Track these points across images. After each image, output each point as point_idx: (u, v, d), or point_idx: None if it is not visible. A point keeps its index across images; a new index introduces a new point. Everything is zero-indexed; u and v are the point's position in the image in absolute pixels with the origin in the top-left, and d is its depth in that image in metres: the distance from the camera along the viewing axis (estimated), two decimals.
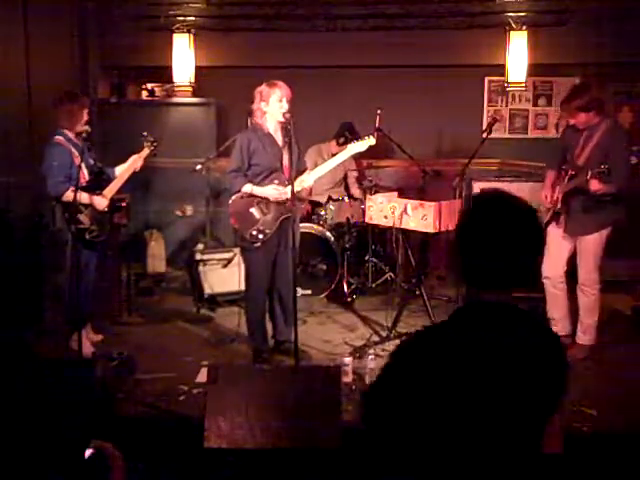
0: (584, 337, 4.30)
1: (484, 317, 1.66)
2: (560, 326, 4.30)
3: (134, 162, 4.51)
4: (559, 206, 4.25)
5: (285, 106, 4.05)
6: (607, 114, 4.21)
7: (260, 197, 4.13)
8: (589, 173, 3.93)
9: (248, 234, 4.13)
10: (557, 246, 4.30)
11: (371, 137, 4.30)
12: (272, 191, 4.11)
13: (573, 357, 4.13)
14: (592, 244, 4.20)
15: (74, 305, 4.29)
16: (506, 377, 1.61)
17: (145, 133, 4.63)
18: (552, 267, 4.33)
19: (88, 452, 1.68)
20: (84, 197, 4.21)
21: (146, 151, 4.56)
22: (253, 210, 4.14)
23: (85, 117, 4.34)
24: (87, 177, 4.30)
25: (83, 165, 4.26)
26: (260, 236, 4.11)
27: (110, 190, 4.40)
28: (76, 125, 4.29)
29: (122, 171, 4.48)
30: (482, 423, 1.61)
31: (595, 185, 3.94)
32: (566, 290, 4.38)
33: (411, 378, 1.65)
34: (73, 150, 4.27)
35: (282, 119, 4.05)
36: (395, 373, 1.70)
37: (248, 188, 4.12)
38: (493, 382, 1.61)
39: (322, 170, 4.29)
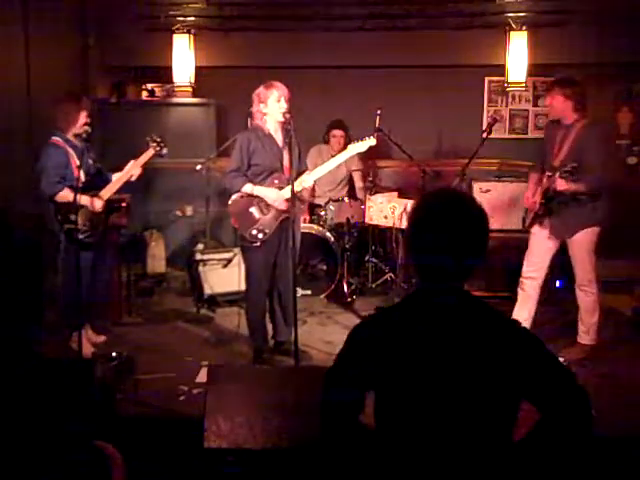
0: (586, 337, 4.29)
1: (432, 299, 1.72)
2: None
3: (131, 168, 4.47)
4: (537, 208, 4.23)
5: (284, 106, 4.05)
6: (586, 114, 4.22)
7: (260, 197, 4.14)
8: (557, 173, 3.93)
9: (248, 234, 4.13)
10: (541, 248, 4.30)
11: (371, 137, 4.29)
12: (272, 194, 4.10)
13: (574, 357, 4.13)
14: (578, 245, 4.18)
15: (70, 306, 4.30)
16: (456, 357, 1.64)
17: (153, 135, 4.59)
18: (535, 268, 4.33)
19: (88, 452, 1.68)
20: (80, 198, 4.17)
21: (151, 152, 4.53)
22: (253, 210, 4.14)
23: (84, 119, 4.31)
24: (83, 178, 4.28)
25: (79, 165, 4.26)
26: (260, 236, 4.11)
27: (107, 191, 4.38)
28: (73, 126, 4.28)
29: (119, 176, 4.46)
30: (435, 405, 1.64)
31: (561, 185, 3.93)
32: (539, 294, 4.37)
33: (362, 359, 1.74)
34: (70, 151, 4.27)
35: (282, 119, 4.05)
36: (347, 354, 1.80)
37: (248, 188, 4.12)
38: (441, 363, 1.64)
39: (322, 171, 4.28)
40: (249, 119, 4.44)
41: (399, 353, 1.66)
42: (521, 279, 4.40)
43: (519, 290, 4.41)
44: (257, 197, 4.14)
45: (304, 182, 4.18)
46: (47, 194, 4.21)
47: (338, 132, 6.09)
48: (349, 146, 4.34)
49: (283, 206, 4.10)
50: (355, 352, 1.77)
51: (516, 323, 1.74)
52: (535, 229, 4.33)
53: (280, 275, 4.24)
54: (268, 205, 4.13)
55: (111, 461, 1.59)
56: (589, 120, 4.20)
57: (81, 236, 4.25)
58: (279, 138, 4.18)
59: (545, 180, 4.15)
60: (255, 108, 4.14)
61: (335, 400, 1.78)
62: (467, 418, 1.63)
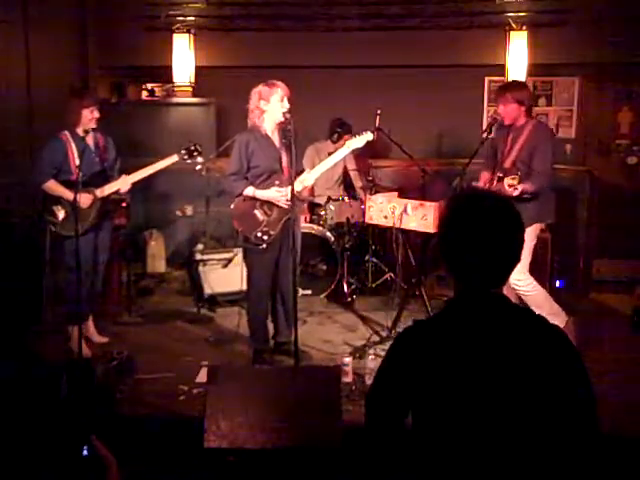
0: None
1: (479, 308, 1.66)
2: None
3: (120, 182, 4.41)
4: None
5: (286, 105, 4.04)
6: (532, 116, 4.31)
7: (261, 201, 4.12)
8: (504, 177, 3.97)
9: (253, 236, 4.11)
10: None
11: (368, 132, 4.27)
12: (275, 194, 4.10)
13: None
14: None
15: (68, 298, 4.30)
16: (507, 368, 1.60)
17: (191, 143, 4.51)
18: None
19: (85, 451, 1.67)
20: (64, 191, 4.20)
21: (174, 158, 4.45)
22: (256, 212, 4.13)
23: (90, 115, 4.28)
24: (77, 172, 4.15)
25: (78, 161, 4.23)
26: (265, 237, 4.10)
27: (102, 191, 4.36)
28: (79, 123, 4.27)
29: (110, 184, 4.40)
30: (484, 416, 1.59)
31: (509, 192, 3.90)
32: (515, 296, 4.34)
33: (407, 374, 1.66)
34: (72, 145, 4.26)
35: (282, 119, 4.03)
36: (391, 370, 1.72)
37: (250, 191, 4.11)
38: (494, 374, 1.59)
39: (322, 168, 4.27)
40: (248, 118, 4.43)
41: (444, 371, 1.61)
42: None
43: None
44: (258, 201, 4.13)
45: (305, 181, 4.17)
46: (33, 182, 4.25)
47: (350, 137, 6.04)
48: (347, 142, 4.33)
49: (287, 204, 4.08)
50: (397, 371, 1.70)
51: (561, 334, 1.72)
52: None
53: (282, 276, 4.23)
54: (271, 207, 4.12)
55: (105, 462, 1.58)
56: (537, 121, 4.32)
57: (56, 229, 4.26)
58: (276, 139, 4.16)
59: (495, 182, 4.20)
60: (253, 105, 4.09)
61: (381, 422, 1.74)
62: (516, 433, 1.59)
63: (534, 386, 1.59)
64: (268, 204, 4.13)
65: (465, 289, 1.70)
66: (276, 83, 4.08)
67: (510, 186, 3.91)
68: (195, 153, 4.52)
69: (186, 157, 4.51)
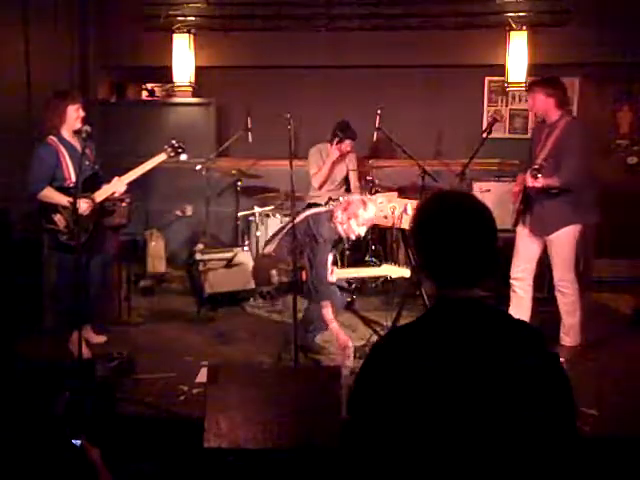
0: (567, 338, 4.28)
1: (456, 314, 1.64)
2: None
3: (115, 185, 4.41)
4: (517, 205, 4.28)
5: None
6: (569, 113, 4.32)
7: (281, 261, 4.24)
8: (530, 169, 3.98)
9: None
10: (525, 247, 4.33)
11: None
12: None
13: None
14: (558, 243, 4.19)
15: (66, 305, 4.28)
16: (487, 377, 1.56)
17: (173, 140, 4.55)
18: (522, 268, 4.35)
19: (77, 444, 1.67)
20: (61, 198, 4.16)
21: (162, 157, 4.48)
22: (272, 272, 4.26)
23: (75, 114, 4.27)
24: (74, 179, 4.18)
25: (71, 166, 4.22)
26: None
27: (99, 195, 4.35)
28: (64, 123, 4.25)
29: (106, 187, 4.40)
30: (464, 426, 1.55)
31: (530, 182, 3.95)
32: (532, 293, 4.38)
33: (385, 382, 1.61)
34: (63, 151, 4.24)
35: None
36: (369, 378, 1.67)
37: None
38: (472, 383, 1.56)
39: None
40: (248, 118, 4.44)
41: (419, 381, 1.57)
42: (510, 281, 4.43)
43: (511, 292, 4.44)
44: (279, 261, 4.23)
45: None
46: (30, 192, 4.20)
47: (351, 143, 6.03)
48: None
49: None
50: (373, 382, 1.64)
51: (540, 337, 1.68)
52: (519, 229, 4.37)
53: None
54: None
55: (95, 466, 1.58)
56: (573, 118, 4.31)
57: (62, 238, 4.22)
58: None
59: (529, 177, 4.18)
60: None
61: (357, 426, 1.68)
62: (494, 442, 1.55)
63: (511, 393, 1.56)
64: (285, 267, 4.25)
65: (439, 290, 1.70)
66: None
67: (532, 176, 3.92)
68: (179, 150, 4.54)
69: (172, 154, 4.52)
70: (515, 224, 4.36)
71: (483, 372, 1.57)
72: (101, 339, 4.61)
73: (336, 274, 4.28)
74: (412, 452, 1.59)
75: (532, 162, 4.20)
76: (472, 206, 1.68)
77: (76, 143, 4.31)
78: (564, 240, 4.17)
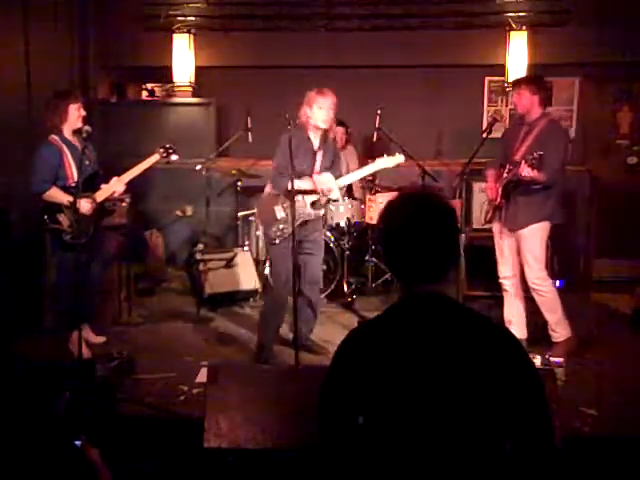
0: (556, 334, 4.28)
1: (418, 307, 1.70)
2: (518, 329, 4.28)
3: (114, 185, 4.41)
4: (499, 200, 4.30)
5: (326, 114, 4.15)
6: (548, 113, 4.38)
7: (284, 198, 4.16)
8: (522, 161, 4.00)
9: (270, 231, 4.23)
10: (505, 245, 4.38)
11: (400, 155, 4.40)
12: (322, 179, 4.17)
13: (561, 356, 4.12)
14: (526, 239, 4.22)
15: (65, 306, 4.28)
16: (448, 367, 1.61)
17: (165, 143, 4.62)
18: (507, 267, 4.39)
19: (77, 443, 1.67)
20: (66, 198, 4.16)
21: (155, 157, 4.53)
22: (277, 209, 4.21)
23: (76, 113, 4.28)
24: (76, 178, 4.21)
25: (73, 166, 4.23)
26: (278, 234, 4.19)
27: (100, 195, 4.35)
28: (65, 122, 4.26)
29: (106, 187, 4.41)
30: (429, 419, 1.60)
31: (526, 171, 3.96)
32: (522, 291, 4.39)
33: (352, 376, 1.68)
34: (65, 150, 4.25)
35: (324, 126, 4.17)
36: (336, 373, 1.73)
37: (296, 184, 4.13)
38: (435, 376, 1.61)
39: (347, 180, 4.42)
40: (249, 118, 4.45)
41: (386, 374, 1.63)
42: (500, 281, 4.47)
43: (503, 292, 4.47)
44: (284, 198, 4.16)
45: (331, 193, 4.26)
46: (34, 192, 4.20)
47: (340, 129, 6.09)
48: (377, 160, 4.38)
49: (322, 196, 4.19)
50: (341, 375, 1.72)
51: (506, 333, 1.71)
52: (495, 227, 4.41)
53: (308, 278, 4.34)
54: (292, 207, 4.14)
55: (95, 466, 1.58)
56: (551, 118, 4.36)
57: (66, 237, 4.23)
58: (316, 142, 4.25)
59: (506, 173, 4.23)
60: (302, 109, 4.22)
61: (330, 418, 1.74)
62: (457, 440, 1.59)
63: (477, 387, 1.59)
64: (290, 204, 4.15)
65: (404, 286, 1.75)
66: (322, 91, 4.21)
67: (529, 165, 3.93)
68: (170, 151, 4.60)
69: (165, 155, 4.58)
70: (490, 220, 4.41)
71: (443, 358, 1.62)
72: (101, 339, 4.60)
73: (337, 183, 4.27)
74: (377, 438, 1.64)
75: (509, 158, 4.27)
76: (433, 204, 1.73)
77: (77, 142, 4.31)
78: (535, 235, 4.21)
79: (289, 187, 4.06)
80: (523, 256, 4.26)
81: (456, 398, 1.59)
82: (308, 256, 4.32)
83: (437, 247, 1.69)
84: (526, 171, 3.96)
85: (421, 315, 1.68)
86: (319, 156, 4.23)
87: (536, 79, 4.37)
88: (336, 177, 4.29)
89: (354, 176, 4.48)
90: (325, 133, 4.24)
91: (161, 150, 4.57)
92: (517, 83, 4.36)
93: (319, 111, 4.15)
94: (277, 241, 4.19)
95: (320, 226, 4.47)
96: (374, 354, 1.66)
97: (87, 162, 4.28)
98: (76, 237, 4.16)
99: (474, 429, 1.60)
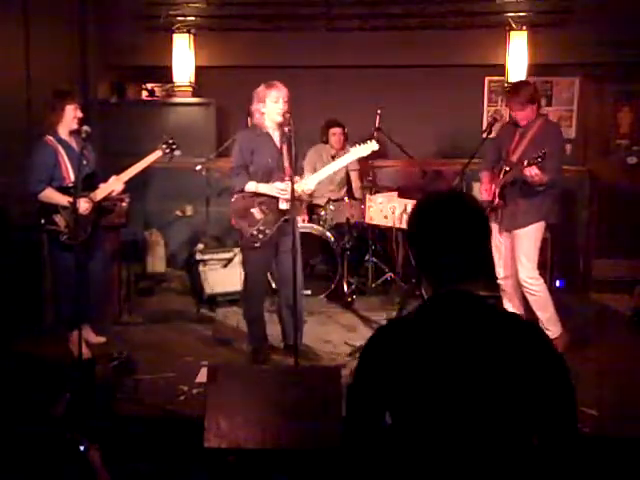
0: (549, 332, 4.25)
1: (449, 306, 1.68)
2: None
3: (112, 183, 4.41)
4: (496, 201, 4.29)
5: (281, 107, 4.05)
6: (542, 113, 4.37)
7: (262, 197, 4.13)
8: (525, 162, 3.98)
9: (248, 234, 4.13)
10: (501, 245, 4.38)
11: (373, 142, 4.27)
12: (276, 190, 4.10)
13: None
14: (523, 238, 4.23)
15: (64, 306, 4.28)
16: (480, 366, 1.61)
17: (166, 136, 4.60)
18: (505, 267, 4.40)
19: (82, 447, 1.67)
20: (62, 199, 4.16)
21: (158, 153, 4.51)
22: (254, 210, 4.14)
23: (72, 113, 4.27)
24: (72, 178, 4.19)
25: (69, 166, 4.22)
26: (260, 236, 4.11)
27: (98, 194, 4.35)
28: (62, 122, 4.25)
29: (104, 186, 4.40)
30: (460, 414, 1.60)
31: (531, 171, 3.95)
32: (520, 292, 4.39)
33: (380, 373, 1.67)
34: (61, 150, 4.24)
35: (279, 119, 4.06)
36: (365, 372, 1.73)
37: (252, 186, 4.12)
38: (466, 372, 1.61)
39: (324, 174, 4.30)
40: (249, 118, 4.45)
41: (416, 373, 1.63)
42: (498, 282, 4.48)
43: (501, 292, 4.48)
44: (259, 197, 4.13)
45: (306, 185, 4.19)
46: (30, 192, 4.20)
47: (337, 130, 6.11)
48: (351, 149, 4.32)
49: (285, 205, 4.09)
50: (370, 371, 1.71)
51: (536, 329, 1.71)
52: (492, 227, 4.39)
53: (284, 278, 4.24)
54: (269, 206, 4.13)
55: (94, 466, 1.58)
56: (546, 117, 4.36)
57: (62, 238, 4.22)
58: (277, 138, 4.19)
59: (503, 174, 4.22)
60: (254, 106, 4.15)
61: (357, 417, 1.74)
62: (487, 434, 1.60)
63: (507, 383, 1.60)
64: (266, 203, 4.13)
65: (436, 288, 1.73)
66: (274, 84, 4.10)
67: (537, 165, 3.92)
68: (174, 146, 4.58)
69: (167, 151, 4.55)
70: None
71: (475, 355, 1.61)
72: (101, 339, 4.60)
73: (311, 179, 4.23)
74: (406, 437, 1.64)
75: (504, 159, 4.27)
76: (465, 205, 1.71)
77: (73, 142, 4.31)
78: (531, 235, 4.23)
79: (247, 187, 4.08)
80: (516, 255, 4.27)
81: (488, 397, 1.60)
82: (282, 254, 4.23)
83: (472, 247, 1.68)
84: (533, 172, 3.96)
85: (453, 313, 1.66)
86: (284, 151, 4.16)
87: (533, 90, 4.29)
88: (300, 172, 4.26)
89: (332, 167, 4.35)
90: (282, 126, 4.12)
91: (164, 146, 4.54)
92: (515, 99, 4.23)
93: (273, 105, 4.07)
94: (258, 244, 4.12)
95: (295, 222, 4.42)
96: (405, 352, 1.65)
97: (84, 162, 4.26)
98: (73, 237, 4.14)
99: (505, 426, 1.61)
